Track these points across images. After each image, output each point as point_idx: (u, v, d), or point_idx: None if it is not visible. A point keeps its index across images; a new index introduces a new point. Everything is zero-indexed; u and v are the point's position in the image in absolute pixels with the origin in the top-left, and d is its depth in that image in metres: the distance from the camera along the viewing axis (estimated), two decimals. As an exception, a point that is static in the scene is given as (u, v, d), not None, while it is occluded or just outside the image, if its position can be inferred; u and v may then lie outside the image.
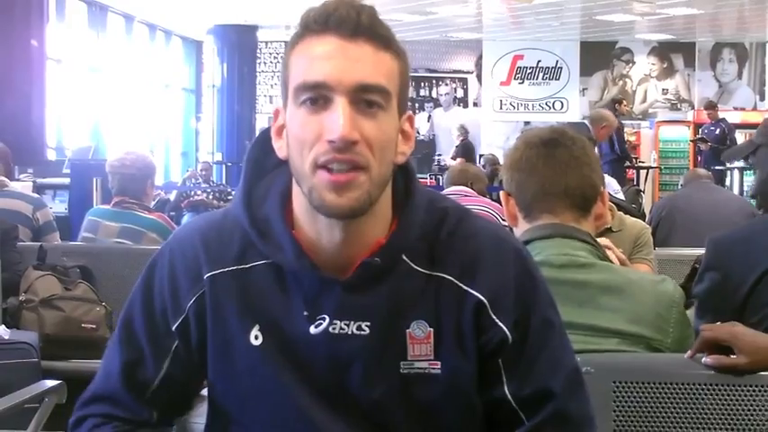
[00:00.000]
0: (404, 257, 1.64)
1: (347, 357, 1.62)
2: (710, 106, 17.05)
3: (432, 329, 1.63)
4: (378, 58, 1.56)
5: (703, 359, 2.16)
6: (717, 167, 14.54)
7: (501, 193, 2.48)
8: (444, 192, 6.13)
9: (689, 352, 2.18)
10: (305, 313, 1.62)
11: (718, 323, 2.27)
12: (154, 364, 1.70)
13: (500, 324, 1.63)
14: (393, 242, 1.62)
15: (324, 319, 1.61)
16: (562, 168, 2.33)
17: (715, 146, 16.11)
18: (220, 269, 1.66)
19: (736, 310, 2.52)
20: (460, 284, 1.64)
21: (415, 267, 1.64)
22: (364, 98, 1.54)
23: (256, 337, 1.64)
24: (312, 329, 1.61)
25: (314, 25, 1.56)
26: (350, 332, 1.61)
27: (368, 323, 1.61)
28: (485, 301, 1.63)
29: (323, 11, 1.56)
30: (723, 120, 16.53)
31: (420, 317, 1.63)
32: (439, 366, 1.63)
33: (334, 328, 1.61)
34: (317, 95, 1.54)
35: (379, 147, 1.54)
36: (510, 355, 1.65)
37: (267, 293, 1.64)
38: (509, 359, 1.65)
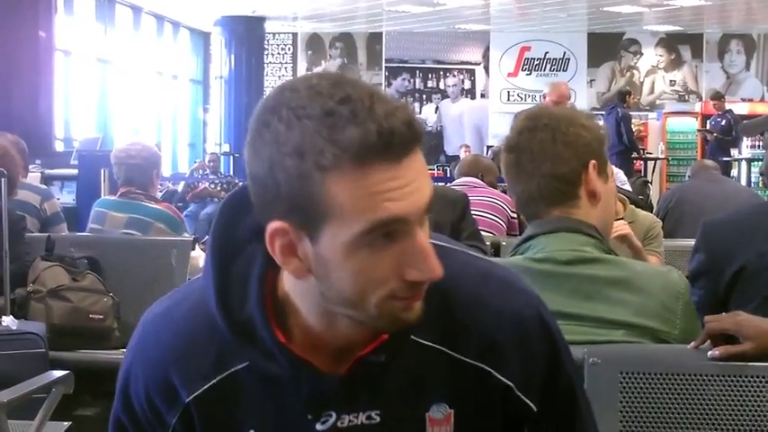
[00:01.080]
0: (412, 336, 1.48)
1: None
2: (717, 97, 16.98)
3: (452, 411, 1.52)
4: (424, 162, 1.37)
5: (709, 353, 2.15)
6: (723, 158, 14.52)
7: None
8: (454, 183, 6.13)
9: (693, 343, 2.18)
10: (309, 416, 1.48)
11: (722, 314, 2.28)
12: None
13: (527, 401, 1.55)
14: (399, 335, 1.46)
15: (330, 415, 1.48)
16: (524, 178, 2.33)
17: (720, 137, 16.08)
18: (200, 389, 1.49)
19: (720, 295, 2.59)
20: (484, 367, 1.51)
21: (427, 343, 1.49)
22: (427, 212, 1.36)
23: None
24: (319, 426, 1.48)
25: (368, 155, 1.28)
26: (359, 423, 1.49)
27: (377, 411, 1.49)
28: (512, 385, 1.53)
29: (378, 137, 1.28)
30: (729, 111, 16.46)
31: (439, 399, 1.51)
32: None
33: (342, 423, 1.48)
34: (390, 231, 1.32)
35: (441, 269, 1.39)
36: (536, 423, 1.58)
37: (258, 397, 1.49)
38: (535, 427, 1.58)
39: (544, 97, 8.49)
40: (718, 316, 2.24)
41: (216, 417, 1.51)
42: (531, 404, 1.54)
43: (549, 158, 2.30)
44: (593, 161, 2.32)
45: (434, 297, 1.44)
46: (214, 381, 1.49)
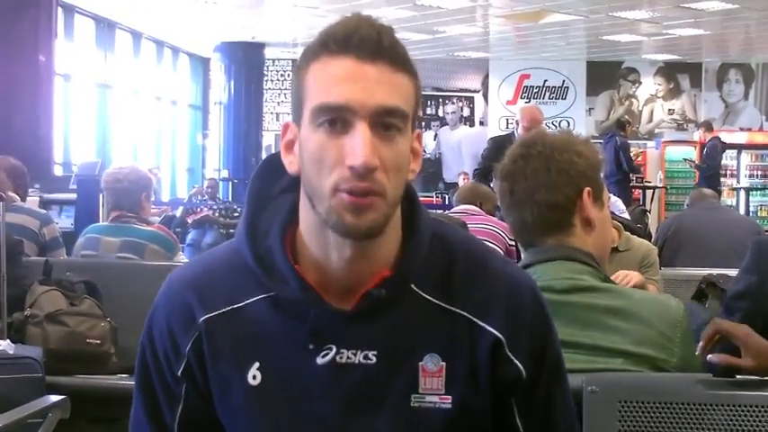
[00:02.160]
0: (413, 287, 1.62)
1: (354, 388, 1.60)
2: (703, 126, 17.10)
3: (444, 363, 1.61)
4: (396, 80, 1.53)
5: (708, 356, 2.15)
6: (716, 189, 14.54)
7: None
8: (452, 210, 6.14)
9: (701, 343, 2.17)
10: (310, 346, 1.60)
11: (729, 321, 2.27)
12: (170, 410, 1.70)
13: (516, 361, 1.63)
14: (399, 273, 1.60)
15: (330, 349, 1.59)
16: (518, 206, 2.34)
17: (701, 165, 16.14)
18: (214, 312, 1.64)
19: (764, 318, 2.54)
20: (477, 320, 1.62)
21: (427, 297, 1.62)
22: (383, 121, 1.51)
23: (254, 377, 1.62)
24: (319, 360, 1.59)
25: (333, 45, 1.52)
26: (356, 361, 1.59)
27: (374, 352, 1.60)
28: (502, 338, 1.62)
29: (343, 30, 1.53)
30: (713, 138, 16.42)
31: (433, 350, 1.61)
32: (450, 401, 1.61)
33: (341, 358, 1.59)
34: (337, 118, 1.51)
35: (395, 170, 1.53)
36: (523, 393, 1.65)
37: (266, 330, 1.62)
38: (522, 396, 1.65)
39: (517, 123, 8.33)
40: (724, 320, 2.23)
41: (224, 348, 1.63)
42: (521, 366, 1.63)
43: (543, 186, 2.30)
44: (587, 188, 2.32)
45: (440, 256, 1.64)
46: (229, 308, 1.64)
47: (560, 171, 2.30)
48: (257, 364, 1.62)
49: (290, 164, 1.61)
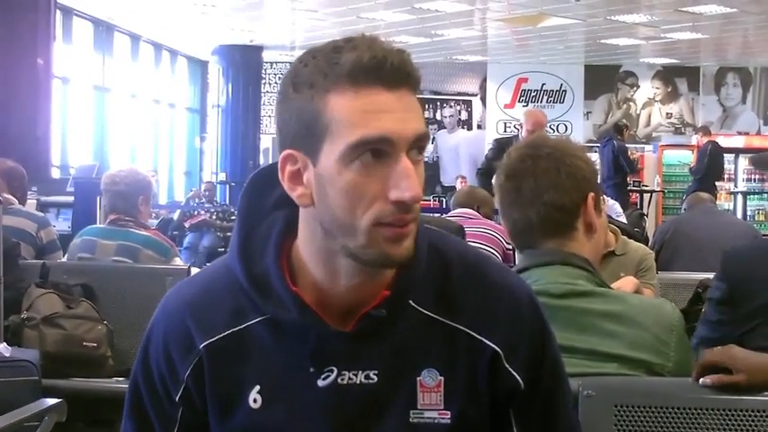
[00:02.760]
0: (411, 303, 1.60)
1: (356, 408, 1.59)
2: (701, 130, 17.10)
3: (442, 378, 1.60)
4: (416, 104, 1.51)
5: (701, 380, 2.16)
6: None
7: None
8: (450, 214, 6.13)
9: (694, 372, 2.19)
10: (311, 369, 1.58)
11: (717, 348, 2.29)
12: None
13: (514, 374, 1.62)
14: (398, 292, 1.59)
15: (332, 371, 1.58)
16: (524, 205, 2.32)
17: (691, 168, 16.16)
18: (214, 336, 1.61)
19: (740, 325, 2.61)
20: (474, 334, 1.61)
21: (425, 312, 1.61)
22: (416, 147, 1.49)
23: (255, 400, 1.60)
24: (320, 382, 1.58)
25: (361, 75, 1.47)
26: (358, 382, 1.58)
27: (375, 371, 1.59)
28: (500, 352, 1.61)
29: (371, 60, 1.47)
30: (708, 142, 16.37)
31: (431, 365, 1.60)
32: (449, 416, 1.60)
33: (342, 379, 1.58)
34: (378, 150, 1.46)
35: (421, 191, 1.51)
36: (521, 404, 1.65)
37: (266, 352, 1.60)
38: (520, 407, 1.65)
39: (520, 126, 8.34)
40: (711, 350, 2.26)
41: (225, 372, 1.61)
42: (518, 377, 1.62)
43: (552, 187, 2.30)
44: (591, 193, 2.33)
45: (437, 269, 1.62)
46: (228, 332, 1.61)
47: (569, 174, 2.31)
48: (258, 387, 1.61)
49: (301, 197, 1.53)
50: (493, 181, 2.48)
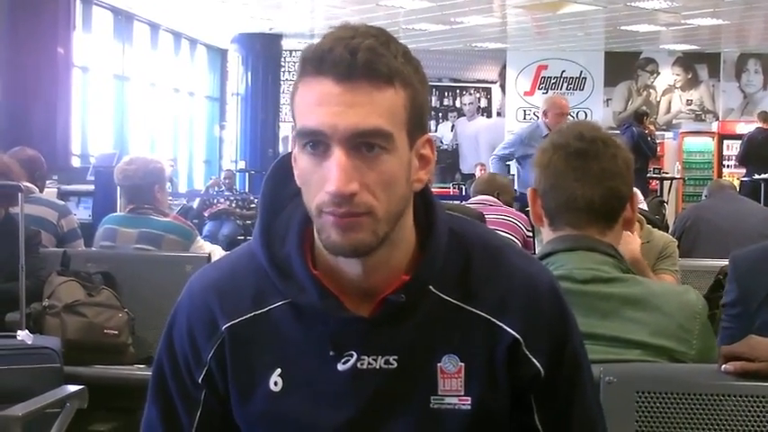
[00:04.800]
0: (431, 288, 1.60)
1: (375, 393, 1.59)
2: (761, 116, 16.71)
3: (463, 364, 1.60)
4: (376, 99, 1.48)
5: (723, 367, 2.15)
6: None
7: (529, 189, 2.42)
8: (470, 201, 6.13)
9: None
10: (331, 353, 1.59)
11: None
12: (187, 416, 1.69)
13: (534, 360, 1.62)
14: (418, 277, 1.59)
15: (351, 355, 1.59)
16: (590, 183, 2.29)
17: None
18: (237, 318, 1.63)
19: (751, 323, 2.61)
20: (495, 320, 1.61)
21: (445, 298, 1.61)
22: (365, 142, 1.48)
23: (276, 383, 1.61)
24: (340, 366, 1.59)
25: (309, 66, 1.50)
26: (377, 366, 1.59)
27: (395, 357, 1.59)
28: (520, 338, 1.60)
29: (318, 51, 1.49)
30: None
31: (451, 351, 1.60)
32: (469, 402, 1.60)
33: (362, 364, 1.59)
34: (316, 141, 1.49)
35: (384, 188, 1.50)
36: (542, 391, 1.64)
37: (288, 335, 1.61)
38: (541, 394, 1.65)
39: (545, 114, 8.16)
40: (731, 345, 2.25)
41: (246, 355, 1.63)
42: (538, 364, 1.62)
43: (618, 175, 2.31)
44: (635, 189, 2.36)
45: (458, 255, 1.62)
46: (251, 315, 1.63)
47: (627, 167, 2.34)
48: (279, 370, 1.62)
49: (297, 179, 1.58)
50: (535, 153, 2.43)
